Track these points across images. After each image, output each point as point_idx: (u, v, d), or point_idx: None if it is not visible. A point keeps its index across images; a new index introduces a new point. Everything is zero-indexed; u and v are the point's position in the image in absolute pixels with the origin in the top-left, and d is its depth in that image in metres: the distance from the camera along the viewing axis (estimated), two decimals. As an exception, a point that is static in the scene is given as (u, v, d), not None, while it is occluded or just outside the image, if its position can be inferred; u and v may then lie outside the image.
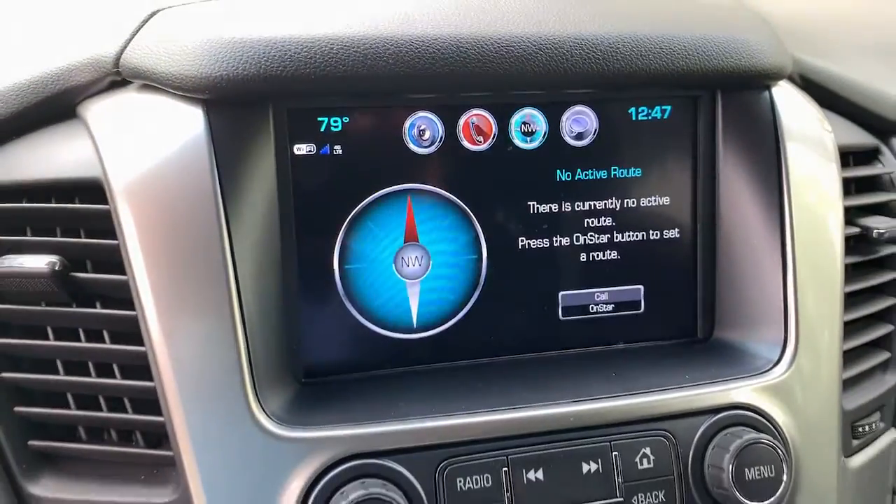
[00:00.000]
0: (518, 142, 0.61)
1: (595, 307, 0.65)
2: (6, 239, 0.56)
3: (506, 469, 0.54)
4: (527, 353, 0.64)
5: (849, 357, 0.66)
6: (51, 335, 0.56)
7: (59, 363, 0.56)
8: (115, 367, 0.55)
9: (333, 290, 0.60)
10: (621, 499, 0.56)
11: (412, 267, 0.61)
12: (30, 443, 0.55)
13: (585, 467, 0.56)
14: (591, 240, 0.64)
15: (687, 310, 0.67)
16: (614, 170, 0.64)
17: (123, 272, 0.53)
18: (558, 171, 0.63)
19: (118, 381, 0.54)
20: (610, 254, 0.65)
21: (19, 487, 0.55)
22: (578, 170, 0.63)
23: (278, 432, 0.52)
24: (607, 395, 0.57)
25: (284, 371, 0.57)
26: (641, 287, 0.66)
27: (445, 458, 0.53)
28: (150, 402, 0.53)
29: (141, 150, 0.54)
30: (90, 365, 0.55)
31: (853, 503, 0.64)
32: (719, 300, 0.66)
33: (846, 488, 0.63)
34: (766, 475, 0.56)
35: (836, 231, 0.64)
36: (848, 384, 0.65)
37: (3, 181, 0.57)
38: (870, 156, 0.76)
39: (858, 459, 0.65)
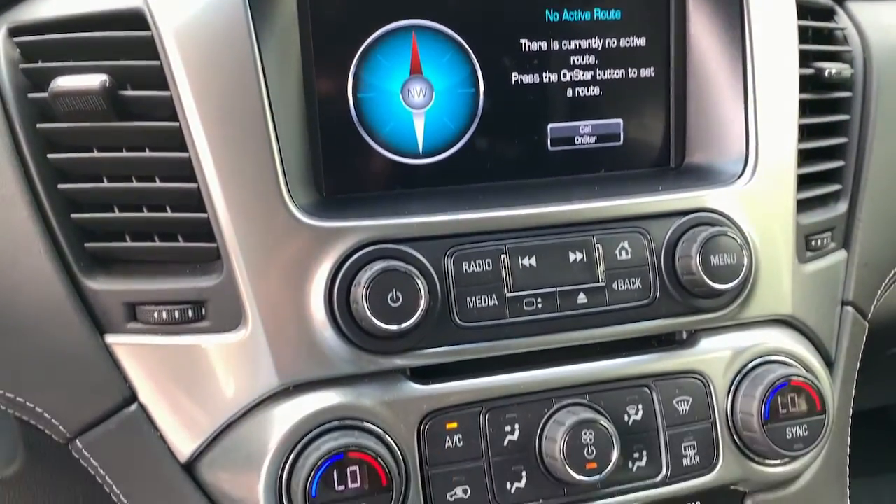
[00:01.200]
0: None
1: (580, 139, 0.73)
2: (56, 65, 0.63)
3: (504, 256, 0.63)
4: (519, 179, 0.72)
5: (804, 183, 0.75)
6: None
7: (104, 178, 0.63)
8: (156, 178, 0.63)
9: (348, 116, 0.68)
10: (603, 283, 0.65)
11: (417, 98, 0.69)
12: (86, 245, 0.63)
13: (572, 256, 0.64)
14: (577, 77, 0.72)
15: (661, 140, 0.75)
16: (597, 11, 0.72)
17: (167, 89, 0.60)
18: (547, 11, 0.71)
19: (163, 184, 0.62)
20: (593, 90, 0.73)
21: (78, 283, 0.62)
22: (565, 10, 0.71)
23: (310, 222, 0.60)
24: (591, 199, 0.66)
25: (309, 184, 0.65)
26: (621, 121, 0.74)
27: (453, 245, 0.62)
28: (191, 205, 0.61)
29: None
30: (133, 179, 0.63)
31: (807, 304, 0.73)
32: (689, 131, 0.74)
33: (800, 289, 0.72)
34: (728, 262, 0.65)
35: (792, 69, 0.73)
36: (802, 205, 0.74)
37: (52, 16, 0.63)
38: (826, 16, 0.84)
39: (811, 267, 0.74)
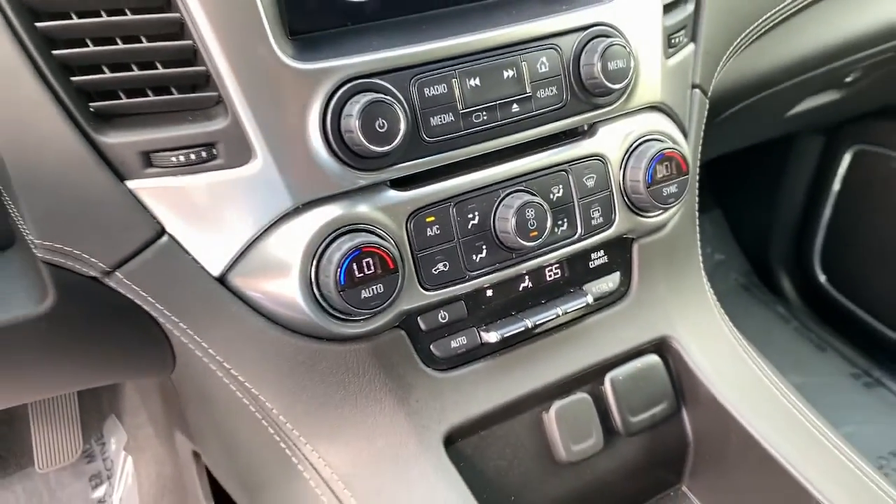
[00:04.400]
0: None
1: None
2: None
3: (455, 80, 0.77)
4: (450, 7, 0.84)
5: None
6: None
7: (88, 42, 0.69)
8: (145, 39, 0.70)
9: (302, -36, 0.76)
10: (530, 94, 0.81)
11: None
12: (90, 105, 0.70)
13: (506, 74, 0.80)
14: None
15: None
16: None
17: None
18: None
19: (163, 43, 0.69)
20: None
21: (93, 139, 0.71)
22: None
23: (298, 66, 0.70)
24: (515, 23, 0.80)
25: (278, 30, 0.74)
26: (523, -53, 0.87)
27: (415, 74, 0.75)
28: (188, 60, 0.70)
29: None
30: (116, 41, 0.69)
31: (670, 92, 0.93)
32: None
33: (666, 80, 0.91)
34: (620, 66, 0.82)
35: None
36: (665, 10, 0.92)
37: None
38: None
39: (672, 61, 0.93)
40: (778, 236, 2.20)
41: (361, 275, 0.73)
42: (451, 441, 0.82)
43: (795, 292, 2.20)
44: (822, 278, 2.11)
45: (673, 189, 0.88)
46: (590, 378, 0.91)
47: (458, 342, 0.83)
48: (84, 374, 0.94)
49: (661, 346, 0.95)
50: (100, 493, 1.68)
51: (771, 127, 1.71)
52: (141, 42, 0.69)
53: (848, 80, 1.48)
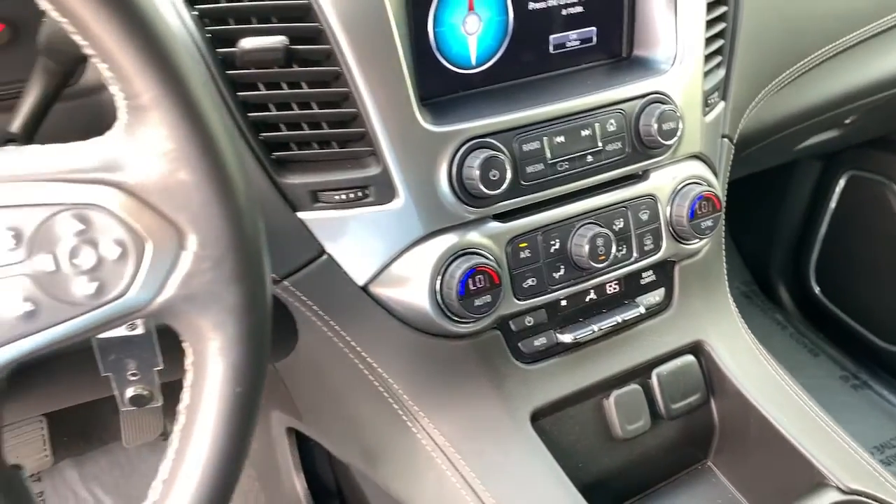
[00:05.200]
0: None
1: (569, 43, 1.08)
2: (239, 28, 0.87)
3: (546, 137, 0.99)
4: (534, 75, 1.07)
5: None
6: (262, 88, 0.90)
7: (271, 106, 0.91)
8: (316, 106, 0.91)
9: (429, 43, 0.98)
10: (601, 147, 1.03)
11: (471, 27, 1.00)
12: (272, 154, 0.92)
13: (583, 132, 1.02)
14: (567, 1, 1.06)
15: (618, 40, 1.11)
16: (582, -45, 1.04)
17: (328, 43, 0.88)
18: (551, -42, 1.02)
19: (329, 110, 0.91)
20: (577, 9, 1.07)
21: (275, 180, 0.92)
22: (563, -42, 1.03)
23: (433, 129, 0.93)
24: (590, 93, 1.03)
25: (418, 100, 0.95)
26: (595, 28, 1.09)
27: (517, 134, 0.97)
28: (349, 122, 0.91)
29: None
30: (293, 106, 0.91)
31: (707, 143, 1.15)
32: (636, 34, 1.11)
33: (704, 134, 1.14)
34: (671, 126, 1.05)
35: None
36: (705, 76, 1.14)
37: None
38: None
39: (708, 118, 1.15)
40: (777, 250, 2.41)
41: (475, 288, 0.95)
42: (535, 419, 1.05)
43: (792, 301, 2.42)
44: (817, 289, 2.32)
45: (709, 223, 1.10)
46: (640, 372, 1.14)
47: (540, 341, 1.05)
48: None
49: (695, 348, 1.18)
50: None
51: (777, 158, 1.94)
52: (312, 108, 0.91)
53: (847, 121, 1.71)
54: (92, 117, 0.93)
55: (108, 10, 0.48)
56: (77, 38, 0.50)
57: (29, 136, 0.84)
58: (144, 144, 0.53)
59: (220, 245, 0.55)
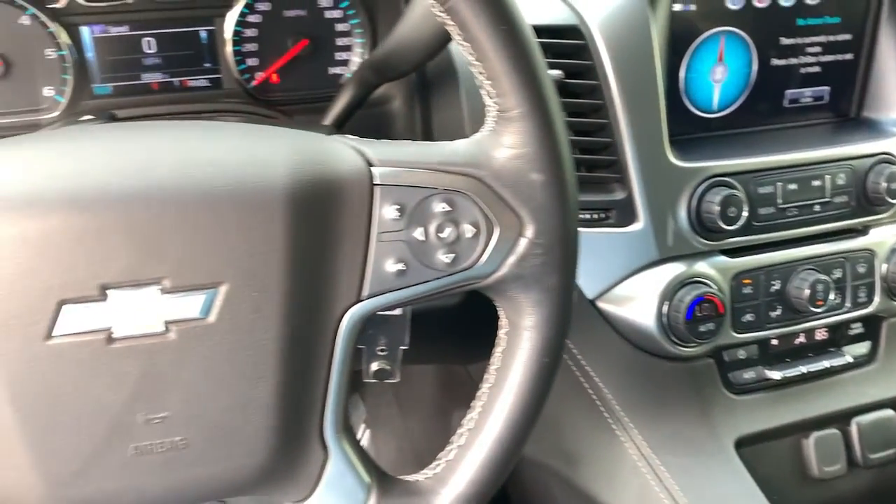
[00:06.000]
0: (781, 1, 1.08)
1: (803, 99, 1.15)
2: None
3: (779, 183, 1.06)
4: (767, 125, 1.14)
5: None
6: None
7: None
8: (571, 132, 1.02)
9: (678, 86, 1.07)
10: (829, 198, 1.09)
11: (719, 76, 1.09)
12: None
13: (814, 182, 1.08)
14: (806, 60, 1.13)
15: (848, 100, 1.18)
16: (826, 18, 1.11)
17: (596, 79, 0.99)
18: (799, 19, 1.10)
19: (587, 137, 1.02)
20: (815, 68, 1.14)
21: None
22: (809, 18, 1.10)
23: (679, 164, 1.02)
24: (822, 147, 1.09)
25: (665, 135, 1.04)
26: (829, 88, 1.16)
27: (754, 177, 1.05)
28: (604, 149, 1.01)
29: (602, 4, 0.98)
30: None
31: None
32: (866, 95, 1.17)
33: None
34: (892, 187, 1.10)
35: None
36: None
37: None
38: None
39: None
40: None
41: (701, 315, 1.02)
42: (738, 447, 1.10)
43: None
44: None
45: (925, 283, 1.13)
46: (840, 418, 1.17)
47: (749, 375, 1.11)
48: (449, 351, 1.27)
49: (896, 404, 1.21)
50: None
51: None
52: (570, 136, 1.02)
53: None
54: (378, 123, 1.07)
55: (515, 61, 0.60)
56: (475, 67, 0.62)
57: (338, 127, 0.99)
58: (505, 148, 0.64)
59: (551, 236, 0.66)
